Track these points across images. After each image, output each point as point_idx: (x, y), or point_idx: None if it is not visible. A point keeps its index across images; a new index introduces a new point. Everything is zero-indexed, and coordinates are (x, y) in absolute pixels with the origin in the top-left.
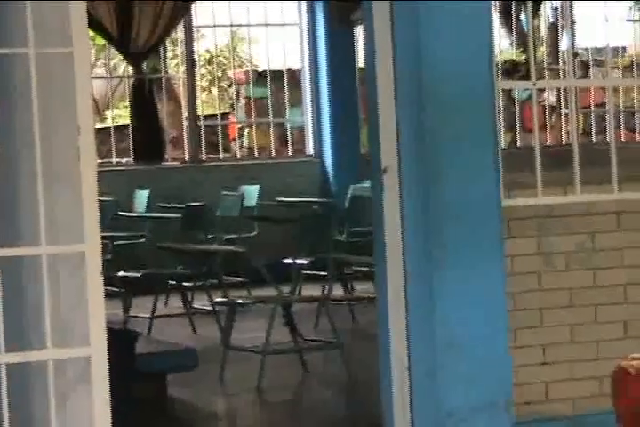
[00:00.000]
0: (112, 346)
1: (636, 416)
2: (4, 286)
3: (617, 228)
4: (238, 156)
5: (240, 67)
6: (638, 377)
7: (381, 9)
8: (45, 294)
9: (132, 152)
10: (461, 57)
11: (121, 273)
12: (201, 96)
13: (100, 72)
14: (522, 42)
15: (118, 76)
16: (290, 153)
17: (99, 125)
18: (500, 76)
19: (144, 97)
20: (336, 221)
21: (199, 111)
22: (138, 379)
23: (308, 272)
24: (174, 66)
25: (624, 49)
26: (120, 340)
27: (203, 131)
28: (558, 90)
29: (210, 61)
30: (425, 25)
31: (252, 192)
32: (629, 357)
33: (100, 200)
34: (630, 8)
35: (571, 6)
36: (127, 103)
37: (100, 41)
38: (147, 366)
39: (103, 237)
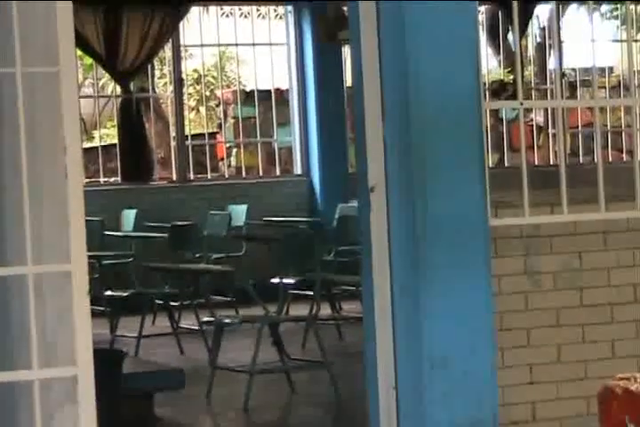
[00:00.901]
0: (98, 366)
1: None
2: None
3: (604, 247)
4: (226, 175)
5: (228, 86)
6: (624, 397)
7: (369, 27)
8: (31, 314)
9: (119, 172)
10: (449, 76)
11: (108, 292)
12: (189, 116)
13: (88, 91)
14: (509, 62)
15: (106, 96)
16: (278, 172)
17: (86, 145)
18: (487, 96)
19: (132, 116)
20: (324, 241)
21: (187, 131)
22: (124, 399)
23: (295, 292)
24: (162, 85)
25: (611, 69)
26: (107, 360)
27: (190, 150)
28: (546, 110)
29: (197, 81)
30: (412, 44)
31: (239, 212)
32: (616, 376)
33: (87, 220)
34: (617, 27)
35: (558, 26)
36: (115, 123)
37: (88, 60)
38: (133, 385)
39: (90, 257)
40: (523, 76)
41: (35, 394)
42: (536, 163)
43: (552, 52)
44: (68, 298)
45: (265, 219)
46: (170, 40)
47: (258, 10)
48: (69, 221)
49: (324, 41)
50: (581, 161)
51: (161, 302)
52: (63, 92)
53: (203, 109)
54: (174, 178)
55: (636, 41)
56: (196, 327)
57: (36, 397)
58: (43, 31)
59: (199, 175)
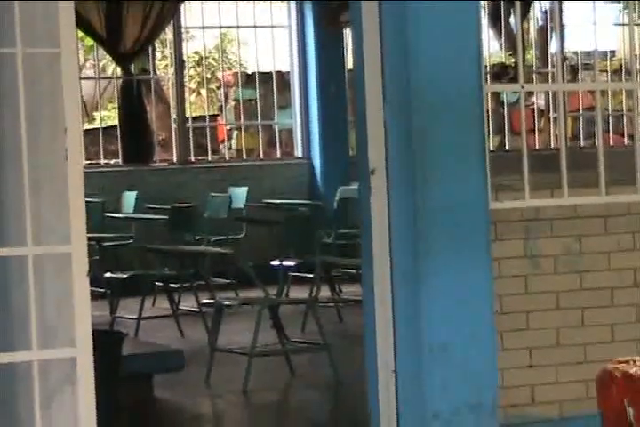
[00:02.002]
0: (98, 347)
1: (621, 419)
2: None
3: (604, 231)
4: (227, 158)
5: (229, 69)
6: (623, 381)
7: (370, 11)
8: (31, 295)
9: (120, 153)
10: (450, 59)
11: (108, 274)
12: (189, 98)
13: (88, 73)
14: (511, 45)
15: (107, 78)
16: (278, 155)
17: (87, 127)
18: (489, 79)
19: (132, 98)
20: (324, 223)
21: (188, 113)
22: (124, 380)
23: (295, 274)
24: (163, 67)
25: (613, 53)
26: (106, 341)
27: (191, 132)
28: (547, 93)
29: (199, 63)
30: (413, 27)
31: (240, 194)
32: (615, 360)
33: (87, 201)
34: (619, 11)
35: (560, 9)
36: (116, 104)
37: (89, 42)
38: (133, 367)
39: (90, 238)
40: (524, 60)
41: (34, 375)
42: (537, 146)
43: (554, 35)
44: (67, 279)
45: (265, 201)
46: (171, 22)
47: None
48: (69, 202)
49: (325, 28)
50: (582, 145)
51: (161, 283)
52: (64, 73)
53: (204, 92)
54: (175, 160)
55: (637, 25)
56: (196, 309)
57: (35, 378)
58: (44, 12)
59: (200, 157)
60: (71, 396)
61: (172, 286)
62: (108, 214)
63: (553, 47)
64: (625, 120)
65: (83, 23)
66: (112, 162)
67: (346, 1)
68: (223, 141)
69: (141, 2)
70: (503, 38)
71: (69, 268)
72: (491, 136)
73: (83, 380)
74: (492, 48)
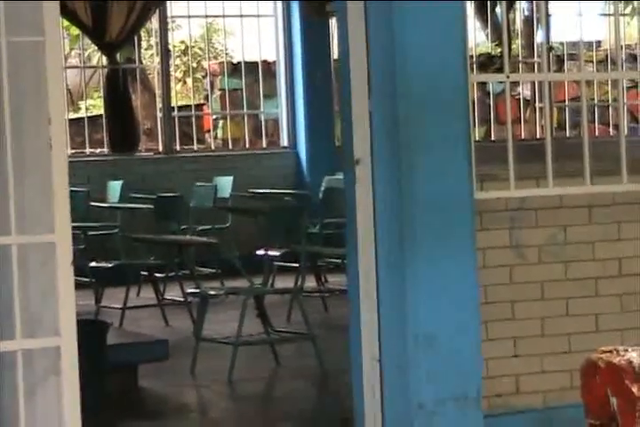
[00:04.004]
0: (82, 337)
1: (604, 409)
2: None
3: (588, 221)
4: (212, 147)
5: (215, 58)
6: (607, 370)
7: (355, 1)
8: (15, 284)
9: (106, 143)
10: (435, 49)
11: (93, 264)
12: (175, 87)
13: (74, 62)
14: (497, 35)
15: (92, 67)
16: (264, 145)
17: (73, 116)
18: (475, 69)
19: (118, 87)
20: (309, 213)
21: (173, 102)
22: (108, 370)
23: (280, 264)
24: (149, 56)
25: (599, 43)
26: (90, 331)
27: (177, 122)
28: (533, 83)
29: (184, 52)
30: (398, 17)
31: (225, 183)
32: (599, 350)
33: (72, 191)
34: (605, 1)
35: None
36: (101, 94)
37: (75, 31)
38: (117, 356)
39: (76, 228)
40: (510, 50)
41: (18, 365)
42: (523, 136)
43: (540, 25)
44: (52, 269)
45: (251, 191)
46: (157, 11)
47: None
48: (53, 191)
49: (310, 17)
50: (568, 135)
51: (146, 273)
52: (48, 62)
53: (189, 81)
54: (160, 149)
55: (623, 15)
56: (181, 299)
57: (19, 368)
58: (28, 1)
59: (185, 147)
60: (55, 385)
61: (158, 275)
62: (93, 204)
63: (539, 37)
64: (610, 110)
65: (68, 12)
66: (97, 151)
67: None
68: (209, 131)
69: None
70: (489, 28)
71: (54, 257)
72: (477, 126)
73: (67, 369)
74: (478, 38)
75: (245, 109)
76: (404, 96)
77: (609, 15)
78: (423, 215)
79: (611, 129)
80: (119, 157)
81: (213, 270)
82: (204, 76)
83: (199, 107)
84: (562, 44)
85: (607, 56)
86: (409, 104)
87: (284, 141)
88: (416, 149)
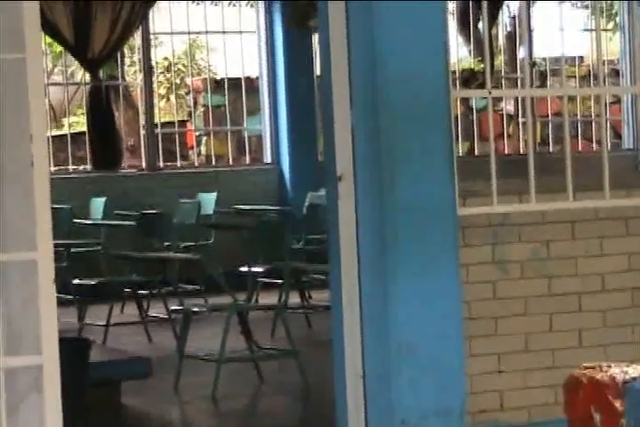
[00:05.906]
0: (65, 354)
1: (588, 425)
2: None
3: (571, 236)
4: (196, 163)
5: (198, 74)
6: (590, 386)
7: (337, 15)
8: None
9: (88, 159)
10: (417, 64)
11: (76, 281)
12: (158, 104)
13: (57, 79)
14: (480, 51)
15: (75, 83)
16: (247, 161)
17: (56, 132)
18: (458, 85)
19: (101, 104)
20: (293, 229)
21: (157, 119)
22: (91, 387)
23: (264, 280)
24: (132, 73)
25: (581, 58)
26: (73, 348)
27: (160, 138)
28: (516, 99)
29: (167, 69)
30: (381, 32)
31: (209, 200)
32: (582, 366)
33: (55, 208)
34: (587, 17)
35: (528, 15)
36: (84, 110)
37: (58, 48)
38: (100, 374)
39: (59, 245)
40: (493, 66)
41: (0, 383)
42: (506, 152)
43: (522, 41)
44: (33, 286)
45: (234, 207)
46: (139, 27)
47: None
48: (35, 209)
49: (292, 28)
50: (551, 150)
51: (129, 290)
52: (30, 79)
53: (172, 97)
54: (144, 166)
55: (605, 30)
56: (165, 316)
57: (1, 385)
58: (9, 17)
59: (169, 163)
60: (38, 403)
61: (141, 292)
62: (76, 221)
63: (521, 53)
64: (593, 126)
65: (50, 29)
66: (81, 168)
67: (314, 1)
68: (192, 147)
69: (110, 7)
70: (472, 44)
71: (36, 275)
72: (460, 142)
73: (49, 387)
74: (460, 54)
75: (229, 126)
76: (386, 111)
77: (591, 30)
78: (406, 230)
79: (594, 144)
80: (102, 174)
81: (197, 287)
82: (187, 93)
83: (182, 123)
84: (544, 59)
85: (590, 71)
86: (391, 119)
87: (268, 158)
88: (398, 164)
